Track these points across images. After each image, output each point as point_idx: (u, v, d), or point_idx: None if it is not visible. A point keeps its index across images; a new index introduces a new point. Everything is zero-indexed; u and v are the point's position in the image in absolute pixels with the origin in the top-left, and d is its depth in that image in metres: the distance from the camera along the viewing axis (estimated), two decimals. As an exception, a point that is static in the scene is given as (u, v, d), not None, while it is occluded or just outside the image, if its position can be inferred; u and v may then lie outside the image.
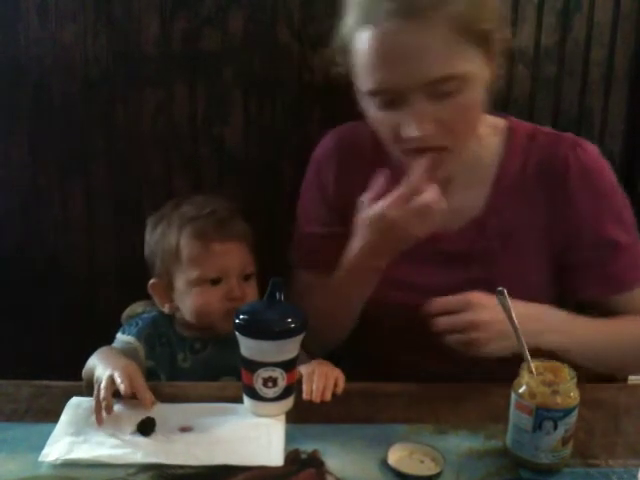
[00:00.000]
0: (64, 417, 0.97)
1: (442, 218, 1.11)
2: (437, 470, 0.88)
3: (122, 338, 1.21)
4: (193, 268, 1.17)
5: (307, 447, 0.92)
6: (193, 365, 1.19)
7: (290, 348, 0.99)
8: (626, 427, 0.97)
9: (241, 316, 0.98)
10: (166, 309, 1.22)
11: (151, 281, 1.22)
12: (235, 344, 1.06)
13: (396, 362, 1.13)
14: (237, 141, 1.47)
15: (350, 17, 1.04)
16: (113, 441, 0.92)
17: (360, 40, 1.02)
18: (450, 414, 1.00)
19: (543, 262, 1.15)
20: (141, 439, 0.93)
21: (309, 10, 1.40)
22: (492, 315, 0.96)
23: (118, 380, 0.98)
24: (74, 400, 1.01)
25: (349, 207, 1.16)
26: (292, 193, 1.50)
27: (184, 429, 0.96)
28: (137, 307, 1.33)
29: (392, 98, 1.02)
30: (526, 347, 0.92)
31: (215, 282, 1.17)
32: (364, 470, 0.89)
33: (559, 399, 0.88)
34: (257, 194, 1.51)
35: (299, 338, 0.99)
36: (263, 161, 1.49)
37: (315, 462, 0.90)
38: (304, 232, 1.26)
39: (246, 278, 1.19)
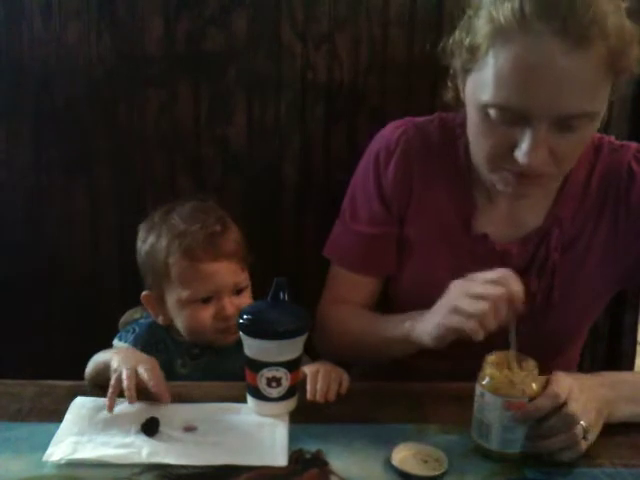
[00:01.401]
0: (68, 417, 0.97)
1: (508, 229, 1.12)
2: (441, 470, 0.88)
3: (119, 345, 1.21)
4: (183, 288, 1.16)
5: (311, 447, 0.92)
6: (191, 371, 1.19)
7: (294, 348, 0.99)
8: (630, 427, 0.97)
9: (245, 316, 0.98)
10: (160, 320, 1.22)
11: (143, 293, 1.22)
12: (234, 351, 1.08)
13: (410, 366, 1.12)
14: (240, 141, 1.47)
15: (485, 25, 0.94)
16: (117, 441, 0.92)
17: (500, 50, 0.93)
18: (454, 414, 1.00)
19: (605, 271, 1.14)
20: (145, 439, 0.93)
21: (312, 10, 1.40)
22: (582, 397, 0.90)
23: (145, 376, 0.98)
24: (78, 400, 1.01)
25: (406, 209, 1.16)
26: (295, 193, 1.51)
27: (188, 429, 0.96)
28: (134, 313, 1.32)
29: (513, 117, 0.94)
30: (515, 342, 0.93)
31: (206, 301, 1.16)
32: (368, 470, 0.89)
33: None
34: (260, 194, 1.51)
35: (303, 338, 0.99)
36: (266, 161, 1.49)
37: (319, 462, 0.90)
38: (352, 229, 1.21)
39: (239, 292, 1.18)
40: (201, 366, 1.20)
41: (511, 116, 0.94)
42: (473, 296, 0.94)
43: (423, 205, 1.16)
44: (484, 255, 1.12)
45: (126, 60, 1.42)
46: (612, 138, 1.15)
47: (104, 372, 1.02)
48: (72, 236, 1.53)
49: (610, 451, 0.93)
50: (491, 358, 0.93)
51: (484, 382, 0.92)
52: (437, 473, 0.88)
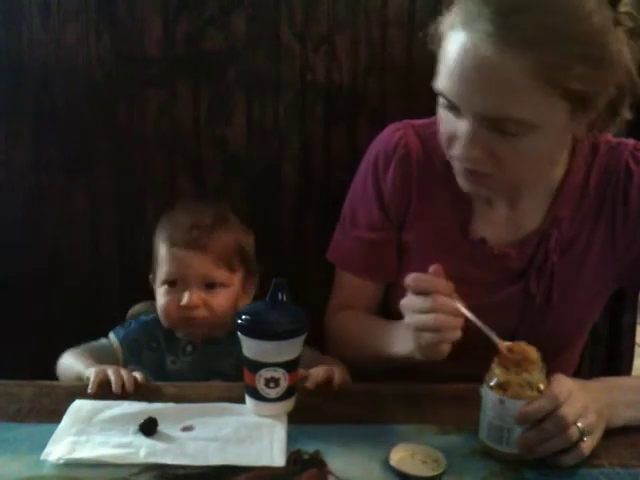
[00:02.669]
0: (67, 417, 0.97)
1: (506, 232, 1.12)
2: (439, 471, 0.88)
3: (110, 336, 1.26)
4: (160, 268, 1.22)
5: (309, 447, 0.92)
6: (181, 368, 1.22)
7: (292, 348, 0.99)
8: (629, 427, 0.97)
9: (243, 316, 0.98)
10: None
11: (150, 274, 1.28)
12: (223, 350, 1.14)
13: (409, 366, 1.12)
14: (239, 141, 1.47)
15: (451, 15, 0.99)
16: (115, 441, 0.92)
17: (449, 40, 0.97)
18: (452, 414, 1.00)
19: (604, 270, 1.14)
20: (143, 439, 0.93)
21: (311, 11, 1.40)
22: (582, 400, 0.90)
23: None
24: (77, 403, 1.01)
25: (405, 214, 1.16)
26: (295, 193, 1.51)
27: (186, 429, 0.96)
28: (141, 307, 1.35)
29: (453, 107, 0.98)
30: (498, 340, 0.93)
31: (172, 284, 1.20)
32: (366, 471, 0.89)
33: None
34: (260, 194, 1.51)
35: (301, 338, 0.99)
36: (266, 161, 1.49)
37: (317, 463, 0.90)
38: (352, 235, 1.21)
39: (210, 286, 1.20)
40: (191, 363, 1.22)
41: (451, 106, 0.98)
42: (422, 311, 0.94)
43: (422, 210, 1.16)
44: (482, 259, 1.12)
45: (125, 61, 1.43)
46: (609, 136, 1.14)
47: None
48: (72, 236, 1.53)
49: (609, 451, 0.93)
50: (499, 360, 0.93)
51: (495, 385, 0.91)
52: (435, 474, 0.88)
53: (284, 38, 1.42)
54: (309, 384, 1.04)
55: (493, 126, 0.95)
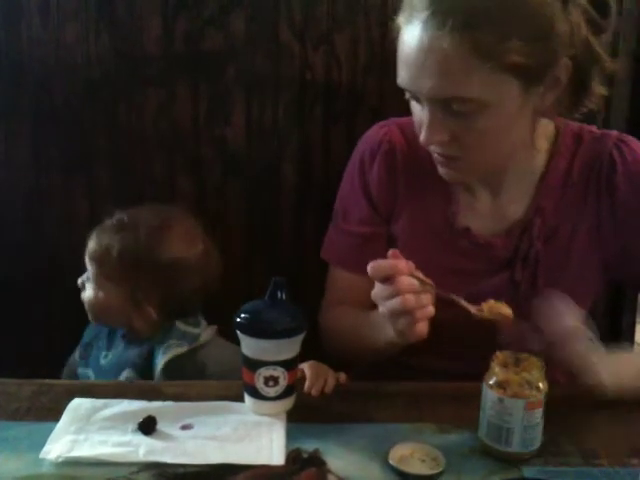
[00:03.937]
0: (66, 416, 0.97)
1: (491, 222, 1.13)
2: (439, 469, 0.88)
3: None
4: None
5: (308, 446, 0.92)
6: (108, 362, 1.25)
7: (292, 347, 0.99)
8: (629, 426, 0.97)
9: (243, 315, 0.98)
10: None
11: None
12: (132, 351, 1.21)
13: (409, 365, 1.12)
14: (239, 141, 1.47)
15: (402, 11, 1.02)
16: (115, 439, 0.92)
17: (401, 33, 1.01)
18: (451, 413, 1.00)
19: (591, 258, 1.14)
20: (142, 437, 0.93)
21: (310, 10, 1.40)
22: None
23: None
24: (76, 401, 1.01)
25: (392, 207, 1.18)
26: (294, 193, 1.51)
27: (185, 427, 0.96)
28: None
29: (414, 97, 1.03)
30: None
31: None
32: (365, 469, 0.89)
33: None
34: (260, 194, 1.51)
35: (300, 337, 0.99)
36: (265, 161, 1.49)
37: (316, 461, 0.90)
38: (344, 230, 1.23)
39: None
40: (112, 357, 1.25)
41: (413, 95, 1.02)
42: (390, 297, 0.94)
43: (408, 202, 1.17)
44: (468, 249, 1.13)
45: (125, 60, 1.43)
46: (593, 127, 1.16)
47: None
48: (72, 236, 1.52)
49: (608, 450, 0.93)
50: (499, 359, 0.93)
51: (495, 384, 0.91)
52: (435, 472, 0.88)
53: (283, 37, 1.42)
54: (314, 392, 1.04)
55: (447, 108, 0.98)
